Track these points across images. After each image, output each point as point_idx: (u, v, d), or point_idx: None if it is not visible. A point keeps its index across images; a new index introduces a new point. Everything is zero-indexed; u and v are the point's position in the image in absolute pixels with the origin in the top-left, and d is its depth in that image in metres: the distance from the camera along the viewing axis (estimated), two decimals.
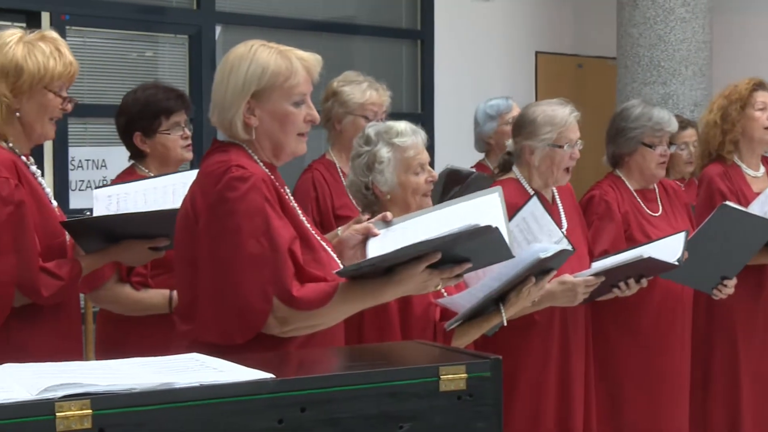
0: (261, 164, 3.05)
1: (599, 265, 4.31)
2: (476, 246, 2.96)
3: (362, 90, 4.93)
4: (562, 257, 3.73)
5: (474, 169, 5.32)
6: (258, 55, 3.03)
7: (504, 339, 4.06)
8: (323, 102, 4.96)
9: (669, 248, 4.36)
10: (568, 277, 4.16)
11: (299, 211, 3.11)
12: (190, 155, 4.32)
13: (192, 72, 7.36)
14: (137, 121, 4.22)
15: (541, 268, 3.66)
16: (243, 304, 2.90)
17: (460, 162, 6.11)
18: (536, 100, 9.10)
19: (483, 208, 3.24)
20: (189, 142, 4.30)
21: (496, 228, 2.91)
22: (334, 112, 4.95)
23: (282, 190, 3.05)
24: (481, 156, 6.16)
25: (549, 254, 3.60)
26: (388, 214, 3.30)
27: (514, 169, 4.46)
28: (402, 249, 2.89)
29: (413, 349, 2.97)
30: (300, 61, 3.06)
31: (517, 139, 4.44)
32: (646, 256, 4.19)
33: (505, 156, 4.55)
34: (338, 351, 3.04)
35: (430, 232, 3.00)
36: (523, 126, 4.43)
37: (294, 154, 3.12)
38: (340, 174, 4.89)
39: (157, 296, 4.10)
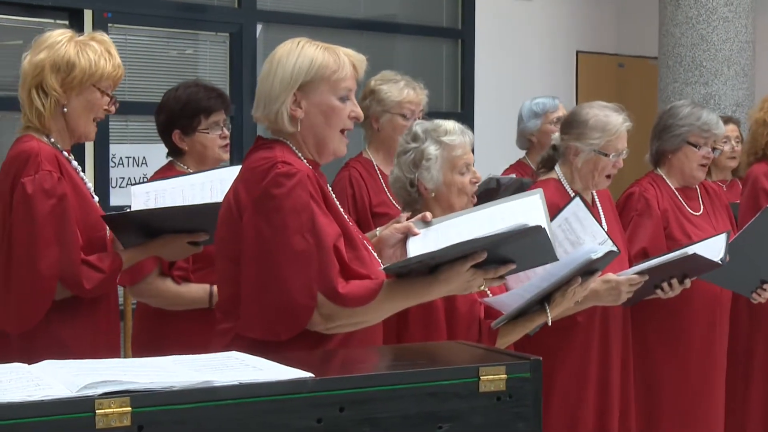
0: (305, 161, 3.06)
1: (643, 265, 4.28)
2: (521, 247, 2.97)
3: (399, 88, 4.94)
4: (608, 258, 3.74)
5: (513, 175, 5.32)
6: (306, 49, 3.06)
7: (543, 339, 4.04)
8: (361, 100, 4.96)
9: (711, 248, 4.33)
10: (611, 275, 4.14)
11: (341, 209, 3.11)
12: (227, 156, 4.34)
13: (233, 70, 7.38)
14: (177, 118, 4.24)
15: (587, 269, 3.67)
16: (288, 300, 2.90)
17: (499, 161, 6.12)
18: (577, 99, 9.08)
19: (525, 210, 3.24)
20: (227, 142, 4.31)
21: (543, 229, 2.92)
22: (371, 111, 4.96)
23: (326, 188, 3.06)
24: (521, 154, 6.14)
25: (599, 255, 3.61)
26: (428, 215, 3.31)
27: (557, 168, 4.43)
28: (451, 246, 2.90)
29: (453, 349, 2.97)
30: (347, 57, 3.09)
31: (565, 137, 4.40)
32: (691, 252, 4.17)
33: (550, 151, 4.52)
34: (377, 350, 3.03)
35: (472, 232, 3.01)
36: (573, 125, 4.39)
37: (335, 154, 3.13)
38: (378, 172, 4.91)
39: (198, 291, 4.11)
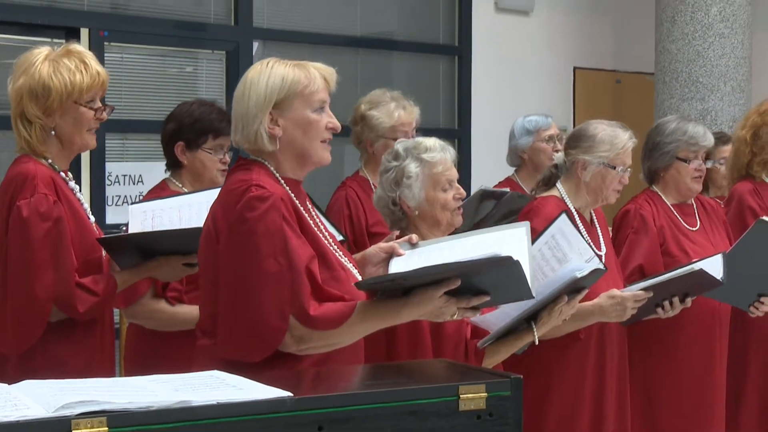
0: (282, 182, 3.08)
1: (648, 281, 4.28)
2: (496, 279, 2.96)
3: (389, 112, 4.94)
4: (594, 276, 3.76)
5: (507, 189, 5.32)
6: (276, 69, 3.09)
7: (539, 355, 4.05)
8: (353, 125, 4.99)
9: (709, 268, 4.31)
10: (616, 291, 4.14)
11: (321, 226, 3.14)
12: (222, 181, 4.34)
13: (230, 88, 7.37)
14: (185, 131, 4.26)
15: (574, 287, 3.67)
16: (260, 322, 2.92)
17: (496, 178, 6.11)
18: (574, 115, 9.09)
19: (508, 241, 3.22)
20: (225, 168, 4.32)
21: (517, 261, 2.88)
22: (364, 136, 4.98)
23: (301, 208, 3.07)
24: (510, 171, 6.13)
25: (584, 273, 3.63)
26: (414, 237, 3.32)
27: (559, 185, 4.41)
28: (422, 269, 2.90)
29: (433, 367, 2.98)
30: (317, 71, 3.13)
31: (572, 152, 4.39)
32: (697, 269, 4.17)
33: (552, 169, 4.49)
34: (357, 369, 3.03)
35: (453, 257, 3.01)
36: (581, 139, 4.38)
37: (320, 163, 3.15)
38: (374, 191, 4.90)
39: (192, 311, 4.09)
